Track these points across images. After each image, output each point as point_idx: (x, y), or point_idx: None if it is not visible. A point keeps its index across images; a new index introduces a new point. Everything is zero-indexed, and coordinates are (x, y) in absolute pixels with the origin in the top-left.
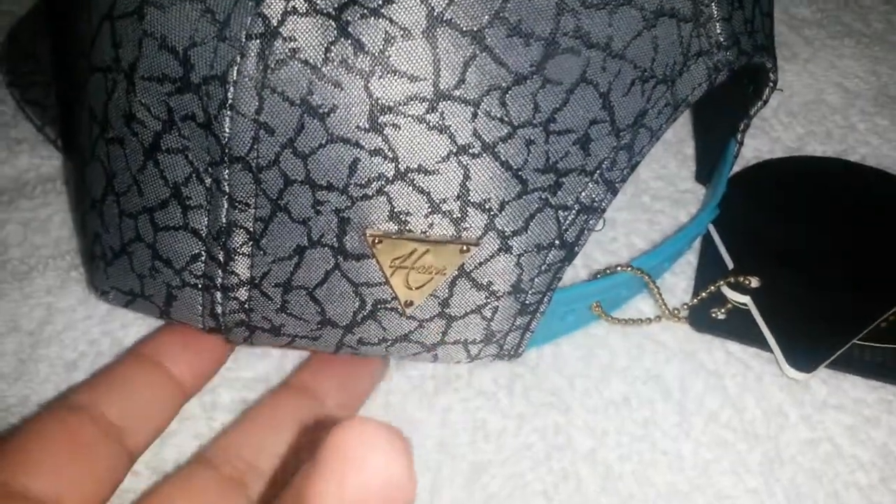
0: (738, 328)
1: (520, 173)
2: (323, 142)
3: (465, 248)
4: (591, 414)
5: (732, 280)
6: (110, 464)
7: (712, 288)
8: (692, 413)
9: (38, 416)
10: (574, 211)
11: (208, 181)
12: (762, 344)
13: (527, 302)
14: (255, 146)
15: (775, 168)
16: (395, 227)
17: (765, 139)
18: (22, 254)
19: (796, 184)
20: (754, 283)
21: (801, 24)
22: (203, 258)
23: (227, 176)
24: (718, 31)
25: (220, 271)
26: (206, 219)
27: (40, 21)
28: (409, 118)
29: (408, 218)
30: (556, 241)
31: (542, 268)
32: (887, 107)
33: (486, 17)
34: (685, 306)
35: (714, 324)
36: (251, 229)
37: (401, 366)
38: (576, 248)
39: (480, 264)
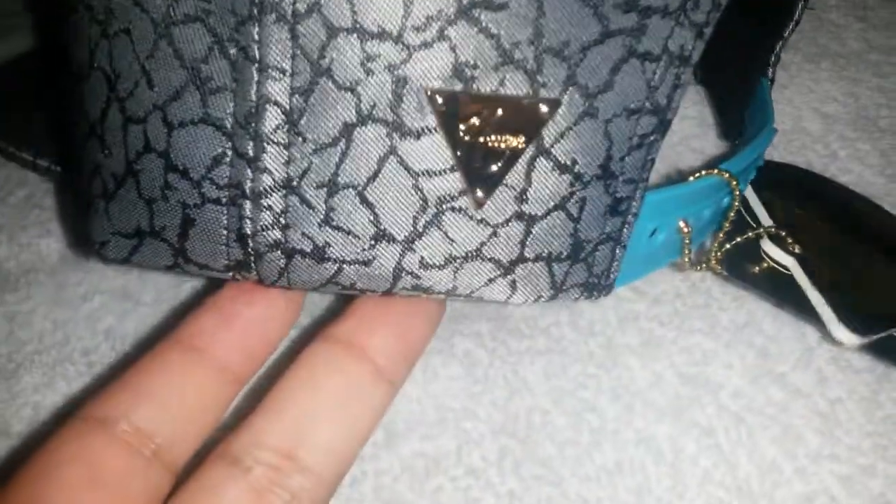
0: (775, 287)
1: (600, 10)
2: None
3: (543, 109)
4: (583, 484)
5: (774, 233)
6: (145, 491)
7: (750, 234)
8: (686, 474)
9: (52, 436)
10: (663, 62)
11: (233, 51)
12: (800, 306)
13: (618, 195)
14: None
15: (792, 171)
16: (461, 86)
17: None
18: (8, 350)
19: (816, 186)
20: (797, 248)
21: None
22: (228, 158)
23: (256, 36)
24: None
25: (249, 171)
26: (231, 104)
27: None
28: None
29: (474, 72)
30: (647, 104)
31: (634, 141)
32: (867, 130)
33: None
34: (718, 252)
35: (750, 277)
36: (287, 106)
37: (391, 444)
38: (668, 115)
39: (562, 135)
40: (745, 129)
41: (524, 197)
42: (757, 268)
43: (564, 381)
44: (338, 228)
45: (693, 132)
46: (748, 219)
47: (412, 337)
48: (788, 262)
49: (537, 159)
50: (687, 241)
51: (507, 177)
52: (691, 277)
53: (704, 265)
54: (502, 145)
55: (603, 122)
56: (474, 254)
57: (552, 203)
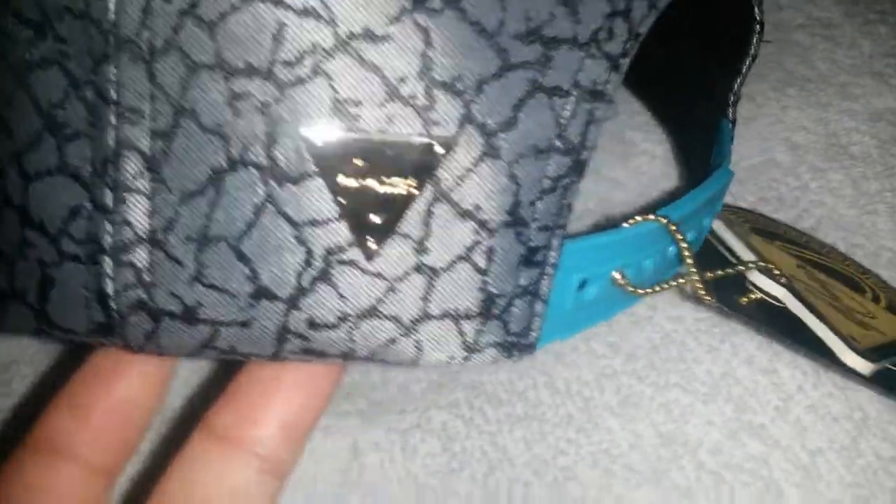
0: (768, 318)
1: (497, 40)
2: (235, 1)
3: (438, 149)
4: None
5: (762, 265)
6: None
7: (740, 266)
8: None
9: None
10: (573, 97)
11: (89, 94)
12: (795, 337)
13: (531, 244)
14: (147, 21)
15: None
16: (343, 125)
17: None
18: None
19: (773, 228)
20: (783, 280)
21: None
22: (86, 210)
23: (113, 75)
24: None
25: (107, 224)
26: (88, 151)
27: None
28: None
29: (358, 109)
30: (557, 142)
31: (545, 184)
32: (838, 159)
33: None
34: (702, 285)
35: (743, 309)
36: (147, 151)
37: None
38: (584, 154)
39: (461, 178)
40: (710, 172)
41: (423, 247)
42: (744, 299)
43: (544, 448)
44: (211, 286)
45: (663, 171)
46: (725, 254)
47: (302, 419)
48: (780, 292)
49: (435, 205)
50: (631, 289)
51: (401, 225)
52: (665, 328)
53: (693, 290)
54: (391, 190)
55: (507, 164)
56: (370, 311)
57: (455, 254)
